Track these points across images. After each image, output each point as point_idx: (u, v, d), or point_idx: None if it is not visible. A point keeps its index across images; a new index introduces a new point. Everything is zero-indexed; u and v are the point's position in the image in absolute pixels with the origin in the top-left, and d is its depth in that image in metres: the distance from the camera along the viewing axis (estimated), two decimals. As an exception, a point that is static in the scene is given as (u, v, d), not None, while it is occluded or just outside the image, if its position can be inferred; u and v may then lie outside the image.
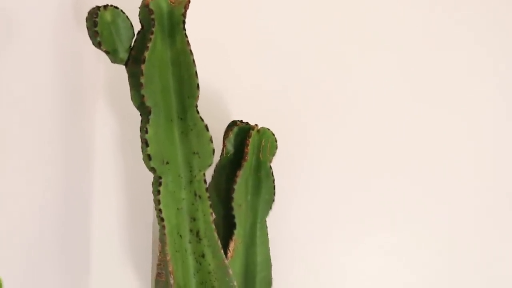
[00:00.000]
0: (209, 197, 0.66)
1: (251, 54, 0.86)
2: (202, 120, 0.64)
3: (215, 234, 0.66)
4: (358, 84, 0.90)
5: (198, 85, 0.63)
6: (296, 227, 0.87)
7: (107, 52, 0.60)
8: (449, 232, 0.91)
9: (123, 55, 0.61)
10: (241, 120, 0.74)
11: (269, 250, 0.77)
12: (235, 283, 0.67)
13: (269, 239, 0.78)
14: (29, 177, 0.57)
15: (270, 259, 0.78)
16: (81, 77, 0.72)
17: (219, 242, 0.66)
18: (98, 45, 0.60)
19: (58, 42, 0.65)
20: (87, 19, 0.59)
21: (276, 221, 0.81)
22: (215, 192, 0.74)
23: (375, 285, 0.89)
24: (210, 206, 0.66)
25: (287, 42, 0.87)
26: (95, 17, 0.58)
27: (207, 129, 0.64)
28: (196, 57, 0.63)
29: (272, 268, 0.78)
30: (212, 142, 0.65)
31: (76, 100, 0.72)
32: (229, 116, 0.80)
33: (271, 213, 0.76)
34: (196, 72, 0.62)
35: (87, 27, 0.59)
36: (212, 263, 0.66)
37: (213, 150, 0.65)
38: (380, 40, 0.91)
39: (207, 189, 0.66)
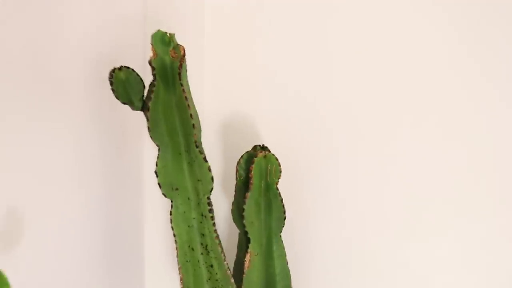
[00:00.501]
0: (212, 217, 0.77)
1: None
2: (201, 153, 0.76)
3: (219, 248, 0.78)
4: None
5: (193, 125, 0.75)
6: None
7: (124, 103, 0.76)
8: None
9: (138, 104, 0.77)
10: (263, 145, 0.84)
11: (287, 262, 0.85)
12: (236, 289, 0.78)
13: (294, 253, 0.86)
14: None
15: (289, 271, 0.86)
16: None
17: (223, 254, 0.78)
18: (116, 98, 0.76)
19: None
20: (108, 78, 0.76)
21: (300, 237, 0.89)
22: (237, 211, 0.85)
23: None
24: (213, 224, 0.77)
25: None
26: (110, 77, 0.75)
27: (206, 160, 0.76)
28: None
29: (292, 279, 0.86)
30: (210, 170, 0.76)
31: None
32: (252, 142, 0.90)
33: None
34: (191, 114, 0.75)
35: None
36: (219, 272, 0.78)
37: (212, 177, 0.77)
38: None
39: (210, 210, 0.78)
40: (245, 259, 0.82)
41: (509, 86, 0.88)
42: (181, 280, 0.77)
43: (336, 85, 0.92)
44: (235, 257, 0.89)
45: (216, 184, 0.84)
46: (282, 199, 0.82)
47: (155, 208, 0.91)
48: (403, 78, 0.92)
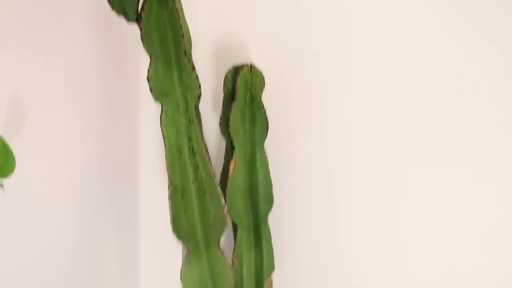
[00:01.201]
0: (199, 121, 0.84)
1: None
2: (190, 62, 0.83)
3: (204, 151, 0.85)
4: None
5: (183, 35, 0.81)
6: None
7: (119, 14, 0.83)
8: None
9: (132, 15, 0.83)
10: (251, 64, 0.89)
11: (269, 172, 0.92)
12: (219, 190, 0.85)
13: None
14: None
15: (271, 180, 0.93)
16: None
17: (207, 157, 0.85)
18: (112, 9, 0.82)
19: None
20: (106, -10, 0.82)
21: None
22: (224, 122, 0.92)
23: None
24: (200, 128, 0.84)
25: None
26: (107, -11, 0.81)
27: (194, 69, 0.83)
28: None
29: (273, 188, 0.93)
30: (198, 79, 0.83)
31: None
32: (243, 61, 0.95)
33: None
34: (181, 25, 0.81)
35: (107, -2, 0.82)
36: (204, 173, 0.85)
37: (199, 85, 0.83)
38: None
39: (197, 115, 0.84)
40: (230, 166, 0.89)
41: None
42: (168, 178, 0.84)
43: (327, 13, 0.96)
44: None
45: (206, 102, 0.91)
46: (265, 111, 0.88)
47: (149, 115, 0.97)
48: (393, 8, 0.96)
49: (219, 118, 0.93)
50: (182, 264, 0.89)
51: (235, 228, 0.95)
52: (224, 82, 0.89)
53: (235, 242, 0.95)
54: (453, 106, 0.95)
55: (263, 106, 0.88)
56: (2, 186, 0.57)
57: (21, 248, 0.68)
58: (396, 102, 0.97)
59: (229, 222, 0.92)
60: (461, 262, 0.99)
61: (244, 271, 0.96)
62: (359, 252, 1.03)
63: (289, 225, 1.02)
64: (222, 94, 0.91)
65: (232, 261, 0.93)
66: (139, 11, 0.83)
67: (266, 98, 0.89)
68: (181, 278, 0.89)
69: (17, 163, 0.59)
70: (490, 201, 0.97)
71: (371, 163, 0.98)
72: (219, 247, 0.89)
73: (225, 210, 0.86)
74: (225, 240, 1.02)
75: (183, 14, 0.82)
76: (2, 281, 0.64)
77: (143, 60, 0.90)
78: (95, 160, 0.87)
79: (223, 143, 0.95)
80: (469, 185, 0.97)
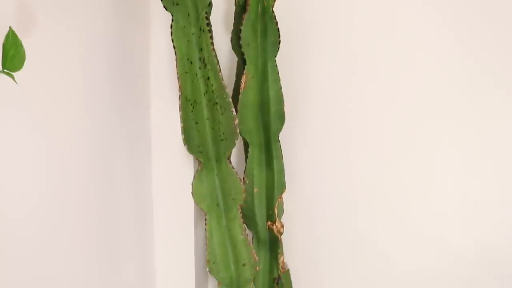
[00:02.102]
0: (209, 31, 0.83)
1: None
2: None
3: (215, 60, 0.84)
4: None
5: None
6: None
7: None
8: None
9: None
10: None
11: (280, 88, 0.91)
12: (230, 100, 0.85)
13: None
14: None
15: (282, 96, 0.92)
16: None
17: (218, 66, 0.84)
18: None
19: None
20: None
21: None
22: (235, 36, 0.91)
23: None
24: (211, 38, 0.83)
25: None
26: None
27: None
28: None
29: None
30: (207, -12, 0.81)
31: None
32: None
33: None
34: None
35: None
36: (215, 84, 0.85)
37: (210, -6, 0.82)
38: None
39: (208, 24, 0.83)
40: (241, 81, 0.89)
41: None
42: (179, 88, 0.84)
43: None
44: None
45: (217, 19, 0.90)
46: (277, 23, 0.87)
47: (161, 27, 0.95)
48: None
49: (230, 34, 0.91)
50: (193, 178, 0.90)
51: (246, 146, 0.95)
52: (235, -7, 0.87)
53: (246, 161, 0.95)
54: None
55: (275, 17, 0.86)
56: (14, 78, 0.57)
57: (37, 167, 0.68)
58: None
59: (240, 141, 0.92)
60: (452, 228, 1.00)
61: (255, 190, 0.96)
62: (370, 175, 1.02)
63: (300, 144, 1.02)
64: (233, 10, 0.90)
65: (243, 180, 0.93)
66: None
67: (279, 10, 0.87)
68: (192, 192, 0.90)
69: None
70: (484, 169, 0.98)
71: (389, 81, 0.96)
72: (230, 161, 0.90)
73: (236, 121, 0.86)
74: (236, 160, 1.02)
75: None
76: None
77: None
78: (107, 71, 0.86)
79: (235, 61, 0.94)
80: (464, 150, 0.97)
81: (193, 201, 0.91)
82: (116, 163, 0.90)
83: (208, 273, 0.93)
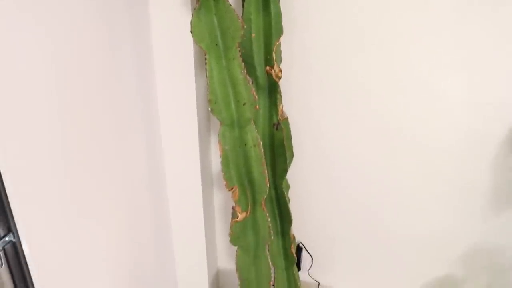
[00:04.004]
0: None
1: None
2: None
3: None
4: None
5: None
6: None
7: None
8: None
9: None
10: None
11: None
12: None
13: None
14: None
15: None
16: None
17: None
18: None
19: None
20: None
21: None
22: None
23: None
24: None
25: None
26: None
27: None
28: None
29: None
30: None
31: None
32: None
33: None
34: None
35: None
36: None
37: None
38: None
39: None
40: None
41: None
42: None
43: None
44: None
45: None
46: None
47: None
48: None
49: None
50: (192, 16, 0.90)
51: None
52: None
53: (243, 5, 0.95)
54: None
55: None
56: None
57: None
58: None
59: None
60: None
61: (253, 35, 0.97)
62: (364, 22, 1.03)
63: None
64: None
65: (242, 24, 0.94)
66: None
67: None
68: (191, 31, 0.91)
69: None
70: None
71: None
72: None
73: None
74: (234, 5, 1.02)
75: None
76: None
77: None
78: None
79: None
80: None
81: (192, 45, 0.92)
82: (115, 7, 0.90)
83: (210, 113, 0.97)
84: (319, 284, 1.37)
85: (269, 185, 1.07)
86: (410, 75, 1.05)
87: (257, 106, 0.98)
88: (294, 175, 1.22)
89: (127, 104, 0.96)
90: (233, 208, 1.10)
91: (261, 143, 1.01)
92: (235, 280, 1.18)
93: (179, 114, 1.06)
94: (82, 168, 0.81)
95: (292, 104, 1.14)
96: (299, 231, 1.30)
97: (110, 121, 0.89)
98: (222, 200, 1.33)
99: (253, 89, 0.97)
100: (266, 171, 1.03)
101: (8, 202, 0.66)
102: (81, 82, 0.79)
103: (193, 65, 1.00)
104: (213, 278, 1.42)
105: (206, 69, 0.94)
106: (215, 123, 1.12)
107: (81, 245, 0.84)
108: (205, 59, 0.93)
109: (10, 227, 0.68)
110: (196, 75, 1.03)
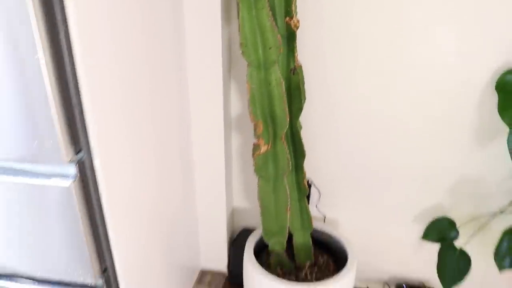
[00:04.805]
0: None
1: None
2: None
3: None
4: None
5: None
6: None
7: None
8: None
9: None
10: None
11: None
12: None
13: None
14: None
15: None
16: None
17: None
18: None
19: None
20: None
21: None
22: None
23: None
24: None
25: None
26: None
27: None
28: None
29: None
30: None
31: None
32: None
33: None
34: None
35: None
36: None
37: None
38: None
39: None
40: None
41: None
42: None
43: None
44: None
45: None
46: None
47: None
48: None
49: None
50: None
51: None
52: None
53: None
54: None
55: None
56: None
57: None
58: None
59: None
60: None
61: (276, -11, 1.12)
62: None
63: None
64: None
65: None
66: None
67: None
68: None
69: None
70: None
71: None
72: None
73: None
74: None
75: None
76: None
77: None
78: None
79: None
80: None
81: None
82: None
83: (241, 55, 1.13)
84: (325, 217, 1.56)
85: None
86: (410, 28, 1.23)
87: (281, 50, 1.14)
88: (303, 117, 1.39)
89: (163, 51, 1.12)
90: (254, 144, 1.26)
91: (283, 83, 1.18)
92: (247, 218, 1.35)
93: (205, 58, 1.23)
94: (139, 103, 0.98)
95: (304, 53, 1.31)
96: (308, 168, 1.48)
97: (154, 64, 1.06)
98: (238, 145, 1.50)
99: (279, 35, 1.13)
100: (287, 108, 1.19)
101: (84, 122, 0.79)
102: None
103: (219, 14, 1.16)
104: (229, 215, 1.60)
105: (238, 16, 1.09)
106: (236, 70, 1.28)
107: (136, 169, 1.00)
108: (238, 8, 1.09)
109: (83, 146, 0.81)
110: (222, 24, 1.19)
